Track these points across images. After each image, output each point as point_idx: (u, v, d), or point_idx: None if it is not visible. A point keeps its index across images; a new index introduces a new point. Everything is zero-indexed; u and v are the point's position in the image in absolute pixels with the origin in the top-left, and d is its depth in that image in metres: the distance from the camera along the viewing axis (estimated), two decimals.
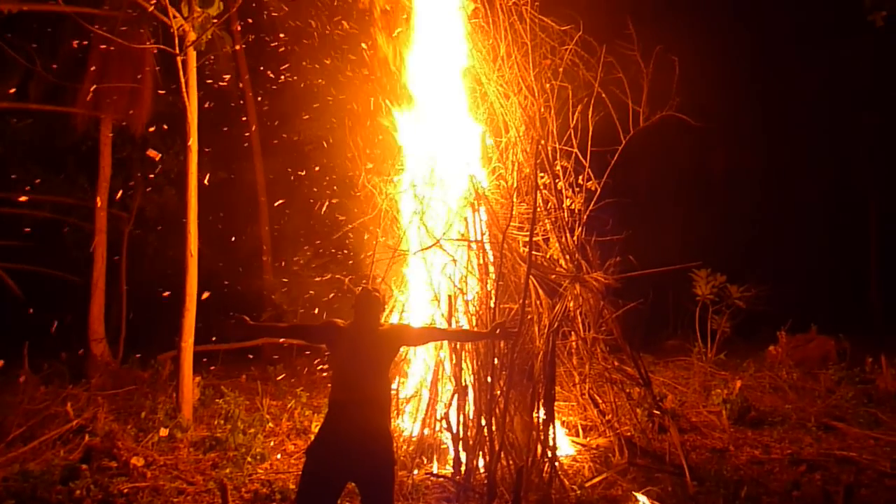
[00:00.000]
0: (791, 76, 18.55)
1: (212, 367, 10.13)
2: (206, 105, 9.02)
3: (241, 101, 14.48)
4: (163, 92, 11.51)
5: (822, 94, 18.58)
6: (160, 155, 11.55)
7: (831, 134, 19.37)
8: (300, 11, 11.49)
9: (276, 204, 14.70)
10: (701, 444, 6.69)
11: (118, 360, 11.72)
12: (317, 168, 12.05)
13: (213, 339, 10.28)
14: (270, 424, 7.28)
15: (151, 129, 11.80)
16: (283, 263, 14.28)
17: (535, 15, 6.58)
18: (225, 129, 14.07)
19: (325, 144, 11.47)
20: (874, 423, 7.30)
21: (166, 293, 10.47)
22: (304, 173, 13.00)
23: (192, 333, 7.31)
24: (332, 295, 10.45)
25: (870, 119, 18.41)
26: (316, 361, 10.77)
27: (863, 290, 21.43)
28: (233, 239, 14.01)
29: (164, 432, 6.20)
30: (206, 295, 7.20)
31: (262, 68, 12.67)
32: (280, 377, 9.99)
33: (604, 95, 6.46)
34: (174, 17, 6.98)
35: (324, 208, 9.22)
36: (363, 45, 7.45)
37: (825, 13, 17.42)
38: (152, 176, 12.78)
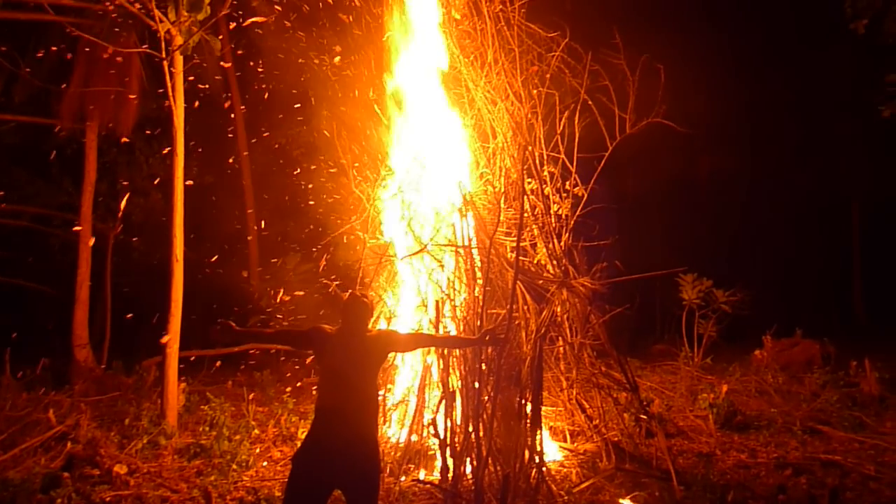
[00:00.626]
0: (774, 83, 18.80)
1: (183, 378, 9.91)
2: (194, 107, 8.97)
3: (228, 97, 14.42)
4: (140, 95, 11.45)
5: (805, 101, 18.85)
6: (124, 203, 11.54)
7: (814, 140, 19.65)
8: (287, 16, 11.51)
9: (259, 222, 14.65)
10: (688, 448, 6.71)
11: (102, 365, 11.58)
12: (308, 185, 11.99)
13: (192, 358, 10.12)
14: (256, 431, 7.21)
15: (124, 140, 11.71)
16: (270, 267, 14.22)
17: (522, 22, 6.61)
18: (212, 132, 14.03)
19: (311, 131, 11.41)
20: (858, 427, 7.37)
21: (129, 315, 10.45)
22: (298, 171, 12.96)
23: (177, 339, 7.24)
24: (319, 305, 10.42)
25: (851, 125, 18.69)
26: (297, 368, 10.71)
27: (846, 294, 21.69)
28: (216, 258, 13.92)
29: (145, 465, 6.01)
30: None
31: (251, 63, 12.65)
32: (251, 395, 9.71)
33: (590, 102, 6.50)
34: (161, 21, 6.94)
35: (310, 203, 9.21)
36: (336, 47, 7.44)
37: (808, 22, 17.70)
38: (126, 183, 12.71)
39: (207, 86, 12.57)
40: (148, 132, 12.48)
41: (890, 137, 16.77)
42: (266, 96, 12.41)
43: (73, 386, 9.77)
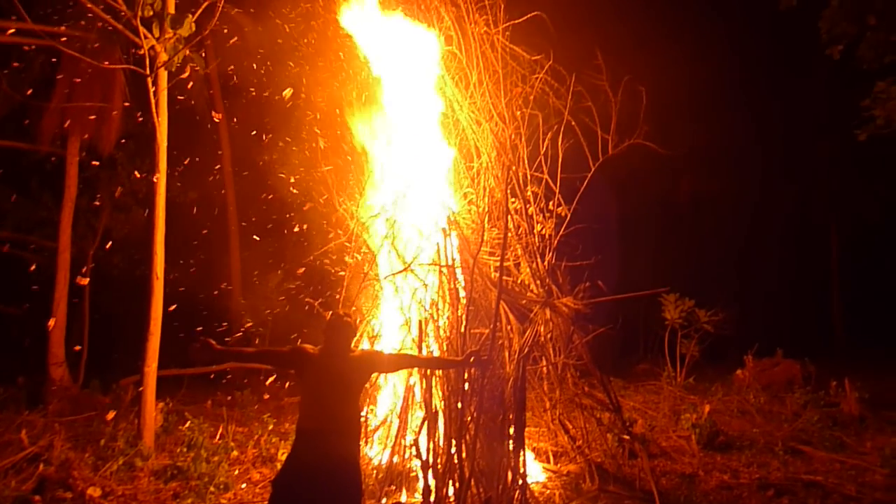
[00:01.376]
0: (755, 107, 19.17)
1: (168, 398, 9.67)
2: (180, 124, 8.89)
3: (213, 114, 14.35)
4: (127, 104, 11.36)
5: (785, 123, 19.25)
6: (88, 280, 11.39)
7: (793, 162, 20.04)
8: (274, 31, 11.55)
9: (242, 239, 14.54)
10: (671, 469, 6.70)
11: (78, 384, 11.34)
12: (299, 196, 11.90)
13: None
14: (235, 452, 7.07)
15: (106, 155, 11.57)
16: (252, 285, 14.08)
17: (507, 44, 6.68)
18: (196, 149, 13.93)
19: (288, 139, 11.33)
20: (839, 447, 7.42)
21: (77, 347, 10.27)
22: (294, 189, 12.87)
23: (155, 358, 7.12)
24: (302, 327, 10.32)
25: (829, 148, 19.09)
26: (282, 382, 10.57)
27: (826, 314, 21.95)
28: (203, 257, 13.79)
29: (120, 487, 5.80)
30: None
31: (231, 73, 12.59)
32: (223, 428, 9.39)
33: (573, 123, 6.57)
34: (145, 37, 6.91)
35: (296, 227, 9.16)
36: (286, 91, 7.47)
37: (787, 46, 18.12)
38: (98, 201, 12.56)
39: (193, 101, 12.52)
40: (124, 140, 12.33)
41: (866, 160, 17.16)
42: (255, 132, 12.40)
43: (47, 405, 9.54)
